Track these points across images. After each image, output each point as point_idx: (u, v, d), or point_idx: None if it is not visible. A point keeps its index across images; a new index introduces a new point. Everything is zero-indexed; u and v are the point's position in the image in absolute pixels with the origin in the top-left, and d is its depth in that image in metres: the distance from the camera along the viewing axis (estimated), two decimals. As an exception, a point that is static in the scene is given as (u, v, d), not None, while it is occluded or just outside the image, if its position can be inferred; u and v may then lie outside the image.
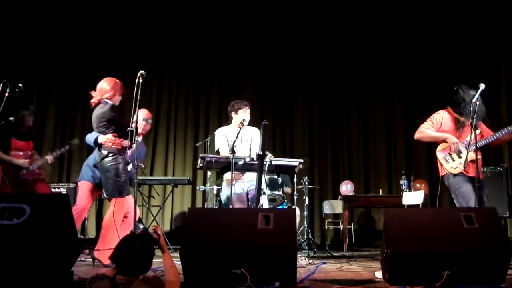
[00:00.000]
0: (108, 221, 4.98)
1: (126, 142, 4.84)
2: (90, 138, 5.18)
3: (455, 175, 5.01)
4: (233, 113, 6.00)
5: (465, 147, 4.92)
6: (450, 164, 5.07)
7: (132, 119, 4.61)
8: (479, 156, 4.87)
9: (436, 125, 5.20)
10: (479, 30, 8.71)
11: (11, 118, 5.35)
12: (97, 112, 5.09)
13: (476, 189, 4.68)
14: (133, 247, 2.75)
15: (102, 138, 5.01)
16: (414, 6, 9.12)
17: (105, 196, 5.11)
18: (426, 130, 5.24)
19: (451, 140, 5.08)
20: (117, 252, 2.78)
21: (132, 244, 2.77)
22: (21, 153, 6.17)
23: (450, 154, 5.09)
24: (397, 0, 9.17)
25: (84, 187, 5.35)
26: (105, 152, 4.99)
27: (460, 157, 5.01)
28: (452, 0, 8.81)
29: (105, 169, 4.99)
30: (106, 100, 5.07)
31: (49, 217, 3.35)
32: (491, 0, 8.43)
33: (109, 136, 5.01)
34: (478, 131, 4.88)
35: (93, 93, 5.15)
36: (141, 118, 5.37)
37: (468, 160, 4.90)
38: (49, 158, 6.28)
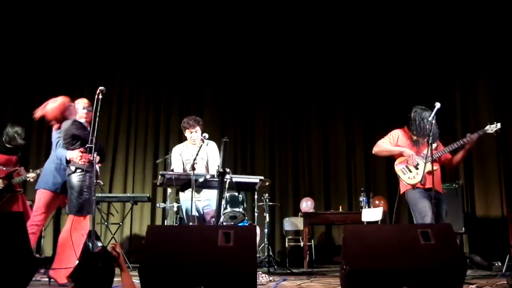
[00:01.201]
0: (64, 238, 4.86)
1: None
2: (61, 153, 5.08)
3: (412, 188, 5.16)
4: (184, 132, 6.05)
5: (422, 160, 5.10)
6: (407, 175, 5.24)
7: (92, 135, 4.56)
8: (436, 167, 5.07)
9: (393, 142, 5.43)
10: (435, 51, 8.93)
11: None
12: (62, 128, 5.08)
13: (432, 205, 4.82)
14: (95, 267, 2.70)
15: (70, 154, 4.96)
16: (371, 26, 9.32)
17: (66, 210, 5.03)
18: (383, 144, 5.46)
19: (407, 152, 5.27)
20: (78, 270, 2.72)
21: (93, 263, 2.72)
22: (4, 168, 6.09)
23: (407, 167, 5.25)
24: (354, 21, 9.35)
25: (42, 196, 5.08)
26: (73, 168, 4.93)
27: (417, 169, 5.18)
28: (408, 20, 9.02)
29: (71, 185, 4.92)
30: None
31: (3, 235, 3.27)
32: (447, 21, 8.68)
33: (76, 152, 4.95)
34: (434, 145, 5.14)
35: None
36: (82, 107, 5.36)
37: (426, 171, 5.04)
38: (31, 175, 6.18)
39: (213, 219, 5.36)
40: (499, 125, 5.14)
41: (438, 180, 5.21)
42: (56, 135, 5.20)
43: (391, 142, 5.43)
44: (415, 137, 5.33)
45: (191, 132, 5.95)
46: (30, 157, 8.38)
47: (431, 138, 4.89)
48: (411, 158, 5.22)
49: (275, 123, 9.66)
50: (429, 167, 4.98)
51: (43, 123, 5.94)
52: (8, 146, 6.19)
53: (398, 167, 5.32)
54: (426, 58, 9.05)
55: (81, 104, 5.37)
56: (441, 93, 8.43)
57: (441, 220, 5.02)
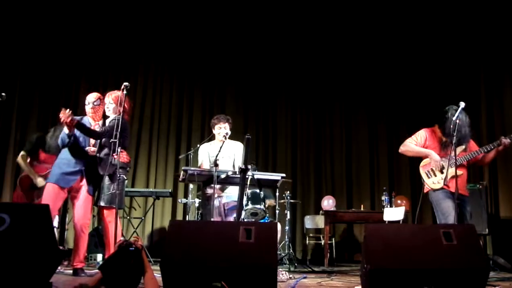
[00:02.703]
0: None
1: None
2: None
3: (435, 190, 5.08)
4: (212, 129, 6.05)
5: (447, 163, 4.98)
6: (431, 179, 5.15)
7: (116, 130, 4.59)
8: (461, 172, 4.96)
9: (420, 142, 5.31)
10: (460, 48, 8.83)
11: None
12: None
13: (456, 205, 4.73)
14: (127, 263, 2.72)
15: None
16: (397, 27, 9.28)
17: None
18: (410, 145, 5.34)
19: (433, 157, 5.17)
20: (109, 264, 2.75)
21: (126, 260, 2.74)
22: (46, 166, 6.17)
23: (432, 170, 5.17)
24: (381, 18, 9.31)
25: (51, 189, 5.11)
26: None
27: (442, 173, 5.09)
28: (433, 16, 8.94)
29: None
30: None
31: (29, 227, 3.33)
32: (472, 17, 8.56)
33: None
34: (463, 147, 5.05)
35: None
36: (87, 102, 5.36)
37: (449, 176, 4.95)
38: None
39: (234, 215, 5.38)
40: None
41: (463, 184, 5.12)
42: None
43: (418, 142, 5.32)
44: (444, 138, 5.20)
45: (220, 128, 5.95)
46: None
47: (454, 138, 4.78)
48: (437, 164, 5.13)
49: (297, 120, 9.67)
50: (452, 171, 4.80)
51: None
52: (53, 146, 6.20)
53: (423, 170, 5.24)
54: (451, 55, 8.97)
55: (88, 99, 5.38)
56: (466, 91, 8.33)
57: (465, 222, 4.94)
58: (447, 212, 4.93)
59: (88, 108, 5.33)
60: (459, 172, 4.89)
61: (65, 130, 5.00)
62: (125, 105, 5.04)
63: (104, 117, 5.39)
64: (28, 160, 6.26)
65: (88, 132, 5.09)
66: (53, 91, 9.12)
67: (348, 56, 9.59)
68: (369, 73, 9.57)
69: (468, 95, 8.04)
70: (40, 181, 6.09)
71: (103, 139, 5.15)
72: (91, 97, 5.34)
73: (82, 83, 9.04)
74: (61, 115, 4.81)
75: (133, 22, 9.42)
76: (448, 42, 8.94)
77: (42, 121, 8.99)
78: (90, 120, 5.30)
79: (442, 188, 5.05)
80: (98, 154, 5.13)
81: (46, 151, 6.24)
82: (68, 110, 4.84)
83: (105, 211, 5.15)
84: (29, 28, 8.99)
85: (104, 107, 5.33)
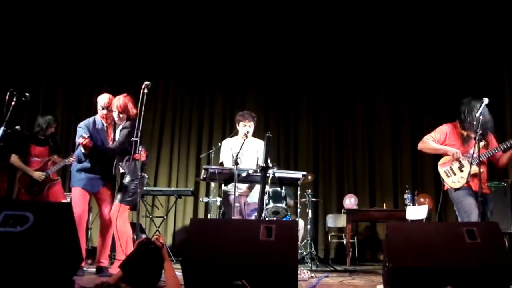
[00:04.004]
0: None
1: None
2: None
3: (456, 189, 4.93)
4: (236, 125, 6.03)
5: (468, 161, 4.84)
6: (451, 178, 4.97)
7: (137, 129, 4.63)
8: (482, 169, 4.69)
9: (439, 138, 5.11)
10: (483, 41, 8.74)
11: (17, 127, 5.40)
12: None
13: (479, 203, 4.62)
14: (146, 261, 2.75)
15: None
16: (421, 17, 9.20)
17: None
18: (428, 141, 5.14)
19: (451, 151, 4.96)
20: (129, 262, 2.78)
21: (146, 258, 2.76)
22: (39, 159, 6.26)
23: (451, 168, 4.99)
24: (405, 11, 9.24)
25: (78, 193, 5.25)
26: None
27: (461, 171, 4.92)
28: (460, 11, 8.87)
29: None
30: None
31: (52, 225, 3.36)
32: (497, 11, 8.44)
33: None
34: (482, 143, 4.80)
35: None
36: (100, 107, 5.36)
37: (471, 173, 4.73)
38: (70, 160, 6.09)
39: (255, 214, 5.38)
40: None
41: (483, 181, 4.83)
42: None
43: (437, 139, 5.08)
44: (465, 133, 5.00)
45: (245, 126, 5.92)
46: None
47: (478, 134, 4.62)
48: (455, 155, 4.92)
49: (319, 118, 9.61)
50: (474, 169, 4.69)
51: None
52: (41, 137, 6.31)
53: (442, 169, 5.05)
54: (476, 50, 8.86)
55: (99, 102, 5.38)
56: (490, 86, 8.22)
57: (486, 220, 4.81)
58: (469, 210, 4.77)
59: (100, 111, 5.36)
60: (482, 170, 4.66)
61: (82, 149, 5.06)
62: (133, 110, 5.15)
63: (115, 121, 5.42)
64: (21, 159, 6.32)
65: (102, 152, 5.18)
66: (75, 93, 9.30)
67: (371, 51, 9.51)
68: (391, 68, 9.48)
69: (492, 91, 7.91)
70: (38, 175, 6.16)
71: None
72: (103, 102, 5.33)
73: (104, 85, 9.12)
74: (82, 139, 4.91)
75: (154, 25, 9.52)
76: (473, 37, 8.85)
77: (65, 121, 9.13)
78: (103, 121, 5.35)
79: (463, 186, 4.91)
80: (120, 163, 5.20)
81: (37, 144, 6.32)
82: (88, 136, 4.97)
83: (121, 209, 5.13)
84: (55, 32, 9.21)
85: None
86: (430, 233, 3.62)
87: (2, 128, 4.69)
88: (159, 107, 9.45)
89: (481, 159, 4.68)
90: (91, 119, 5.34)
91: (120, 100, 5.20)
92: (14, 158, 6.26)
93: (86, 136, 4.96)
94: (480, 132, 4.62)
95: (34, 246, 3.24)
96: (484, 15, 8.63)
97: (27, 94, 4.95)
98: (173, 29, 9.56)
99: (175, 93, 9.61)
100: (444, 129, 5.17)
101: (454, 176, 4.96)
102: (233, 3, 9.44)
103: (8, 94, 4.83)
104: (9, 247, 3.21)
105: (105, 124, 5.33)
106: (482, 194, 4.58)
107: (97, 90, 9.01)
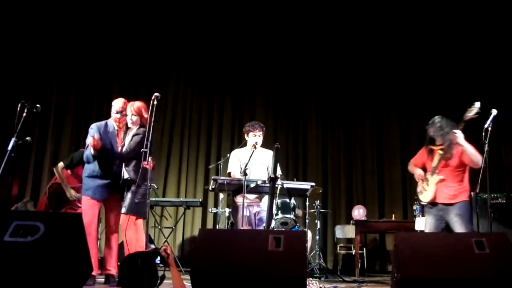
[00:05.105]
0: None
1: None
2: None
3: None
4: (245, 135, 6.04)
5: (429, 174, 5.06)
6: (423, 194, 5.15)
7: (147, 140, 4.68)
8: (441, 177, 4.96)
9: (416, 160, 5.34)
10: (499, 55, 8.76)
11: (28, 138, 5.46)
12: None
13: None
14: (135, 266, 2.78)
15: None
16: (431, 31, 9.22)
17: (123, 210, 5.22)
18: (410, 165, 5.42)
19: (415, 175, 5.25)
20: (121, 274, 2.82)
21: (134, 263, 2.80)
22: (77, 181, 6.25)
23: (423, 187, 5.17)
24: (414, 25, 9.26)
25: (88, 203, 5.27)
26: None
27: (428, 185, 5.08)
28: (464, 15, 8.93)
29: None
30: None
31: (62, 236, 3.39)
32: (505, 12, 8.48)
33: None
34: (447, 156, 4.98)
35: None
36: (114, 110, 5.38)
37: (435, 183, 4.97)
38: None
39: (264, 224, 5.39)
40: (478, 104, 4.93)
41: (447, 190, 4.99)
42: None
43: (415, 161, 5.34)
44: (430, 146, 5.17)
45: (255, 136, 5.95)
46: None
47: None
48: (420, 179, 5.18)
49: (328, 127, 9.58)
50: (438, 178, 4.97)
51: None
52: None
53: (418, 188, 5.25)
54: (484, 63, 8.84)
55: (114, 106, 5.42)
56: (499, 97, 8.20)
57: (457, 229, 4.78)
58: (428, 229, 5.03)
59: (113, 115, 5.39)
60: (440, 176, 4.94)
61: (91, 150, 5.10)
62: (146, 114, 5.20)
63: (127, 125, 5.45)
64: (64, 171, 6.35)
65: (112, 155, 5.22)
66: (86, 95, 9.40)
67: (381, 62, 9.50)
68: (401, 77, 9.44)
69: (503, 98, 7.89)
70: (73, 193, 6.19)
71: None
72: (118, 106, 5.37)
73: (114, 90, 9.20)
74: (91, 140, 5.00)
75: (164, 32, 9.59)
76: (487, 51, 8.88)
77: (76, 127, 9.23)
78: (115, 125, 5.38)
79: (428, 205, 5.09)
80: (126, 168, 5.23)
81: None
82: (97, 138, 5.05)
83: (129, 219, 5.13)
84: (66, 38, 9.30)
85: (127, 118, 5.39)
86: (438, 244, 3.62)
87: (13, 139, 4.73)
88: (168, 117, 9.45)
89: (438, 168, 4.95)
90: (103, 122, 5.39)
91: (134, 104, 5.29)
92: (60, 167, 6.30)
93: (96, 137, 5.02)
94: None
95: (44, 256, 3.27)
96: (495, 32, 8.63)
97: (38, 105, 5.00)
98: (182, 38, 9.60)
99: (184, 103, 9.61)
100: (421, 151, 5.36)
101: (425, 191, 5.11)
102: (241, 11, 9.50)
103: (19, 105, 4.88)
104: (20, 257, 3.25)
105: (116, 128, 5.37)
106: (442, 208, 4.88)
107: (107, 99, 9.11)
